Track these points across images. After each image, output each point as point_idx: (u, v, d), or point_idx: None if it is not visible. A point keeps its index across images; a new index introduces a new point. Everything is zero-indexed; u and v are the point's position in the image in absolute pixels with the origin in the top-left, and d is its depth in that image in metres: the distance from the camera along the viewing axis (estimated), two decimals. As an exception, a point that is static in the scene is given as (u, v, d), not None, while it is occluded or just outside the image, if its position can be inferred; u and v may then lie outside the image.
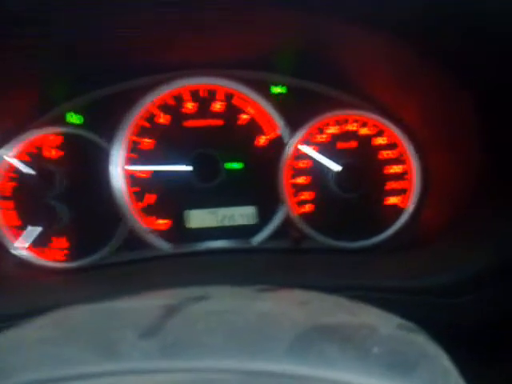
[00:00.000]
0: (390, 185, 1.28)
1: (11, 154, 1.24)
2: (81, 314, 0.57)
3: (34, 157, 1.25)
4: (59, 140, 1.25)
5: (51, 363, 0.44)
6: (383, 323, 0.53)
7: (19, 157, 1.24)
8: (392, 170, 1.28)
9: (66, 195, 1.25)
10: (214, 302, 0.56)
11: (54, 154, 1.25)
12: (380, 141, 1.28)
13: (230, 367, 0.42)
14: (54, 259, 1.26)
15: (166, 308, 0.52)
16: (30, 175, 1.24)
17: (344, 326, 0.50)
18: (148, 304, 0.58)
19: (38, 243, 1.25)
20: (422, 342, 0.50)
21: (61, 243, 1.26)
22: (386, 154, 1.28)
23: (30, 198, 1.24)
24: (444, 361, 0.48)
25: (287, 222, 1.28)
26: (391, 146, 1.28)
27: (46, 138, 1.25)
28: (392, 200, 1.29)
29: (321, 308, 0.56)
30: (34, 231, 1.24)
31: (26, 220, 1.25)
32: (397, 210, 1.28)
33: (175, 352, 0.44)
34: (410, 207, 1.28)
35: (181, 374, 0.42)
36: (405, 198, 1.28)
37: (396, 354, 0.46)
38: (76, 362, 0.44)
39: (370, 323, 0.52)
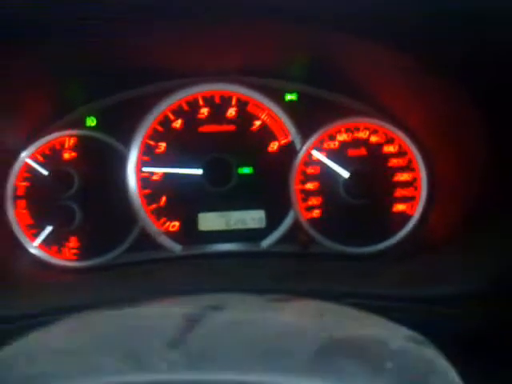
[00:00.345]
0: (399, 192, 1.30)
1: (27, 154, 1.26)
2: (104, 320, 0.59)
3: (49, 158, 1.27)
4: (75, 142, 1.28)
5: (79, 372, 0.46)
6: (393, 335, 0.55)
7: (34, 157, 1.27)
8: (401, 178, 1.29)
9: (80, 196, 1.27)
10: (232, 312, 0.58)
11: (69, 155, 1.28)
12: (390, 148, 1.29)
13: (253, 381, 0.44)
14: (66, 258, 1.28)
15: (187, 317, 0.54)
16: (45, 176, 1.26)
17: (357, 340, 0.52)
18: (169, 312, 0.60)
19: (52, 242, 1.28)
20: (432, 357, 0.52)
21: (73, 243, 1.28)
22: (395, 161, 1.29)
23: (45, 198, 1.27)
24: (452, 376, 0.50)
25: (296, 227, 1.30)
26: (401, 154, 1.29)
27: (63, 140, 1.27)
28: (400, 207, 1.30)
29: (334, 320, 0.58)
30: (47, 231, 1.27)
31: (40, 219, 1.27)
32: (404, 217, 1.30)
33: (201, 364, 0.46)
34: (417, 214, 1.30)
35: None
36: (412, 205, 1.30)
37: (408, 369, 0.48)
38: (105, 372, 0.46)
39: (381, 336, 0.54)
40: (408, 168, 1.29)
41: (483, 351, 0.96)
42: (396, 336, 0.54)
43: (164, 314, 0.59)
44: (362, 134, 1.29)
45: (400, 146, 1.29)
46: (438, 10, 0.80)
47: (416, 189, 1.29)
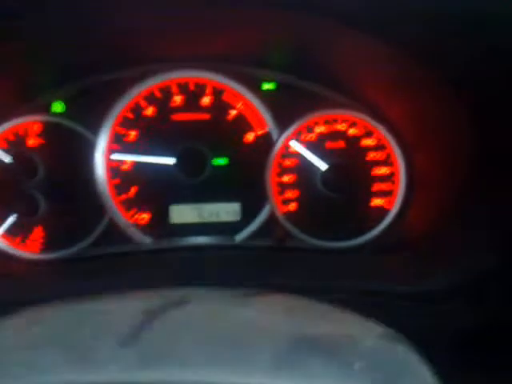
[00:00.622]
0: (377, 186, 1.28)
1: (-11, 140, 1.20)
2: (55, 315, 0.55)
3: (13, 144, 1.21)
4: (40, 128, 1.22)
5: (23, 370, 0.42)
6: (365, 333, 0.52)
7: (-3, 143, 1.21)
8: (379, 172, 1.27)
9: (45, 185, 1.22)
10: (195, 307, 0.54)
11: (34, 142, 1.22)
12: (368, 142, 1.27)
13: (213, 380, 0.40)
14: (30, 250, 1.23)
15: (145, 313, 0.50)
16: (7, 163, 1.20)
17: (327, 338, 0.49)
18: (126, 307, 0.55)
19: (15, 233, 1.22)
20: (404, 355, 0.49)
21: (38, 234, 1.23)
22: (373, 155, 1.27)
23: (8, 187, 1.21)
24: (425, 374, 0.48)
25: (271, 220, 1.27)
26: (379, 147, 1.27)
27: (27, 126, 1.21)
28: (378, 201, 1.28)
29: (304, 316, 0.55)
30: (10, 220, 1.21)
31: (3, 208, 1.21)
32: (382, 212, 1.28)
33: (155, 363, 0.42)
34: (395, 209, 1.28)
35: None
36: (390, 199, 1.28)
37: (378, 368, 0.45)
38: (51, 370, 0.42)
39: (353, 333, 0.51)
40: (386, 162, 1.27)
41: (462, 347, 0.95)
42: (368, 333, 0.52)
43: (121, 308, 0.55)
44: (341, 127, 1.26)
45: (379, 140, 1.27)
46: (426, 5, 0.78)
47: (394, 183, 1.28)
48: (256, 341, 0.46)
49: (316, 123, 1.26)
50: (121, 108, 1.22)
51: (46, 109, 1.22)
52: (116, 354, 0.43)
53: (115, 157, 1.23)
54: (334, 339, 0.48)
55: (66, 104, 1.22)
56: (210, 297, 0.60)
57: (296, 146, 1.25)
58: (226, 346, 0.44)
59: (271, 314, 0.53)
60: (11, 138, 1.21)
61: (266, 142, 1.25)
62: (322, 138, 1.26)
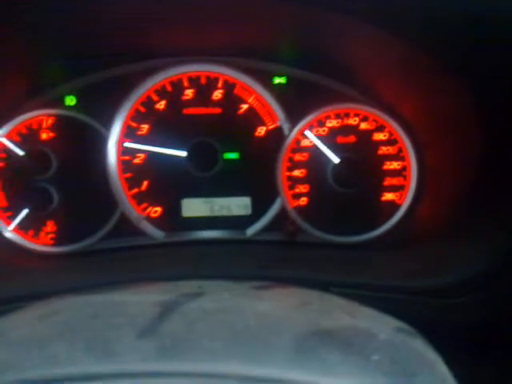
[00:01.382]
0: (388, 181, 1.27)
1: (3, 133, 1.20)
2: (73, 307, 0.55)
3: (25, 138, 1.22)
4: (53, 122, 1.22)
5: (41, 362, 0.42)
6: (381, 327, 0.52)
7: (10, 137, 1.21)
8: (390, 166, 1.27)
9: (58, 178, 1.22)
10: (211, 299, 0.55)
11: (47, 136, 1.22)
12: (380, 136, 1.26)
13: (230, 372, 0.41)
14: (43, 243, 1.24)
15: (162, 305, 0.51)
16: (21, 156, 1.21)
17: (344, 331, 0.48)
18: (143, 299, 0.56)
19: (28, 226, 1.23)
20: (421, 349, 0.49)
21: (50, 227, 1.24)
22: (385, 149, 1.26)
23: (21, 180, 1.22)
24: (442, 367, 0.48)
25: (282, 215, 1.27)
26: (391, 141, 1.26)
27: (40, 119, 1.22)
28: (389, 196, 1.28)
29: (320, 310, 0.55)
30: (23, 214, 1.22)
31: (16, 202, 1.22)
32: (393, 206, 1.27)
33: (173, 354, 0.42)
34: (406, 204, 1.27)
35: (178, 379, 0.40)
36: (402, 194, 1.27)
37: (396, 361, 0.45)
38: (69, 362, 0.42)
39: (369, 327, 0.51)
40: (398, 156, 1.26)
41: (471, 341, 0.95)
42: (385, 327, 0.52)
43: (137, 300, 0.55)
44: (352, 121, 1.26)
45: (390, 134, 1.26)
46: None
47: (405, 178, 1.27)
48: (273, 333, 0.46)
49: (327, 117, 1.25)
50: (133, 102, 1.22)
51: (59, 102, 1.22)
52: (135, 346, 0.43)
53: (128, 145, 1.23)
54: (351, 332, 0.48)
55: (78, 98, 1.22)
56: (224, 289, 0.60)
57: (311, 136, 1.25)
58: (243, 338, 0.45)
59: (288, 307, 0.53)
60: (24, 131, 1.22)
61: (277, 137, 1.25)
62: (334, 132, 1.25)
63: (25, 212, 1.22)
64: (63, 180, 1.22)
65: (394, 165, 1.27)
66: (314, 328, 0.48)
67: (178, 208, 1.26)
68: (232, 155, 1.26)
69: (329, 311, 0.55)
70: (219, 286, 0.60)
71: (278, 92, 1.24)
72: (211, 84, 1.24)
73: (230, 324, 0.47)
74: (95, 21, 0.97)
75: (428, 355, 0.48)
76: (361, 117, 1.26)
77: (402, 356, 0.46)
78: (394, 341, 0.49)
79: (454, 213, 1.13)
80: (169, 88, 1.23)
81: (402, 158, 1.26)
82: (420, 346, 0.49)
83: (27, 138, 1.21)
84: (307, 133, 1.25)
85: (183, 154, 1.23)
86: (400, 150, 1.26)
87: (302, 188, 1.27)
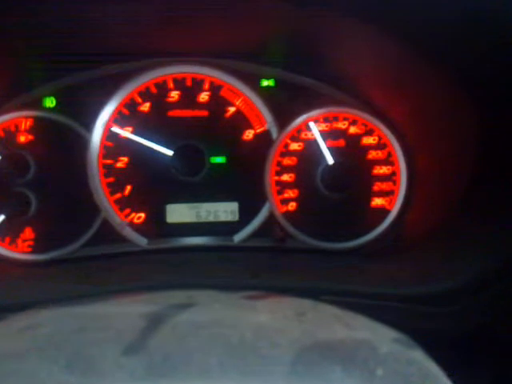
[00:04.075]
0: (378, 186, 1.26)
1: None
2: (53, 320, 0.51)
3: (2, 140, 1.17)
4: (31, 124, 1.18)
5: (17, 381, 0.39)
6: (380, 338, 0.50)
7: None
8: (380, 171, 1.25)
9: (36, 183, 1.18)
10: (202, 311, 0.51)
11: (25, 138, 1.18)
12: (369, 140, 1.25)
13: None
14: (21, 251, 1.19)
15: (149, 317, 0.47)
16: (-3, 160, 1.16)
17: (343, 344, 0.46)
18: (129, 311, 0.52)
19: (5, 233, 1.18)
20: (422, 361, 0.47)
21: (28, 234, 1.19)
22: (374, 154, 1.25)
23: (-3, 184, 1.17)
24: (443, 379, 0.46)
25: (271, 220, 1.24)
26: (380, 146, 1.25)
27: (18, 121, 1.17)
28: (378, 201, 1.26)
29: (316, 321, 0.52)
30: (-1, 220, 1.17)
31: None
32: (382, 212, 1.26)
33: (164, 372, 0.38)
34: (396, 209, 1.26)
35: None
36: (391, 199, 1.26)
37: (399, 375, 0.43)
38: (48, 381, 0.38)
39: (368, 339, 0.49)
40: (387, 161, 1.25)
41: (463, 349, 0.94)
42: (383, 338, 0.49)
43: (122, 312, 0.52)
44: (341, 125, 1.24)
45: (380, 138, 1.25)
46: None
47: (395, 183, 1.26)
48: (271, 347, 0.43)
49: (316, 121, 1.23)
50: (115, 104, 1.18)
51: (38, 104, 1.18)
52: (121, 363, 0.40)
53: (115, 130, 1.19)
54: (351, 345, 0.46)
55: (58, 99, 1.18)
56: (215, 300, 0.57)
57: (313, 128, 1.22)
58: (239, 352, 0.41)
59: (283, 319, 0.50)
60: (1, 134, 1.17)
61: (264, 140, 1.23)
62: (323, 136, 1.23)
63: (1, 218, 1.16)
64: (42, 185, 1.18)
65: (384, 169, 1.25)
66: (312, 341, 0.45)
67: (162, 214, 1.22)
68: (219, 159, 1.23)
69: (325, 322, 0.52)
70: (209, 297, 0.56)
71: (266, 95, 1.22)
72: (197, 86, 1.21)
73: (223, 337, 0.44)
74: (75, 20, 0.94)
75: (429, 366, 0.46)
76: (350, 121, 1.24)
77: (404, 369, 0.44)
78: (395, 353, 0.46)
79: (444, 219, 1.12)
80: (153, 90, 1.20)
81: (392, 163, 1.25)
82: (421, 358, 0.47)
83: (4, 140, 1.17)
84: (311, 124, 1.22)
85: (168, 159, 1.20)
86: (389, 155, 1.25)
87: (291, 193, 1.25)
